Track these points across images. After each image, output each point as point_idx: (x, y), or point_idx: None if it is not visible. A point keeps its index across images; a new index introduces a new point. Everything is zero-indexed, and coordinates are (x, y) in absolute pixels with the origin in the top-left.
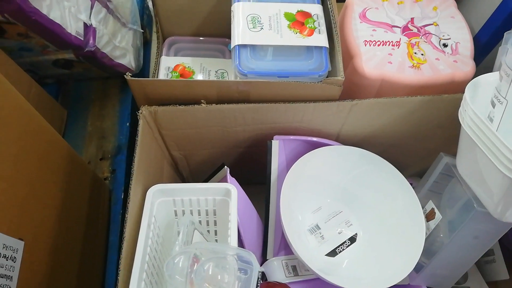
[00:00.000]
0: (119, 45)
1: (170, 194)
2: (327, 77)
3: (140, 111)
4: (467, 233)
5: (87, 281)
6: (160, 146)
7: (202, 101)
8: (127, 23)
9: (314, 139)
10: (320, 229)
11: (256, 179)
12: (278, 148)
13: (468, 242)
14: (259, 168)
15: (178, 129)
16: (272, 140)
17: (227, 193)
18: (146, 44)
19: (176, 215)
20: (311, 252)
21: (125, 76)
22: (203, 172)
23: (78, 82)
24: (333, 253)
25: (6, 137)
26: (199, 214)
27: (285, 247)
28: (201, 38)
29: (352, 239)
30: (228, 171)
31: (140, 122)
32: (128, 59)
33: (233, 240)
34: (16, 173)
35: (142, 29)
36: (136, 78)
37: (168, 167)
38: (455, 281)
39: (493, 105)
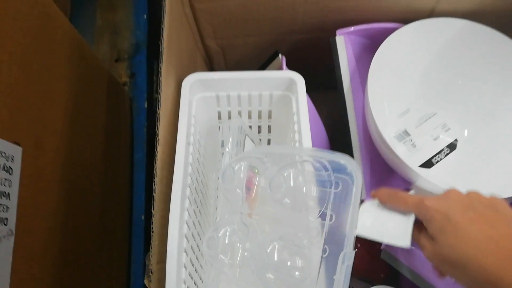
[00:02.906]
0: None
1: (213, 87)
2: None
3: None
4: None
5: (112, 202)
6: (192, 29)
7: None
8: None
9: (390, 25)
10: (410, 135)
11: (313, 82)
12: (344, 44)
13: None
14: (321, 66)
15: (216, 0)
16: (336, 36)
17: (291, 85)
18: None
19: (219, 117)
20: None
21: None
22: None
23: None
24: (428, 164)
25: None
26: (250, 117)
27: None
28: None
29: (452, 146)
30: (284, 60)
31: None
32: None
33: (307, 143)
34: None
35: None
36: None
37: (202, 63)
38: None
39: None
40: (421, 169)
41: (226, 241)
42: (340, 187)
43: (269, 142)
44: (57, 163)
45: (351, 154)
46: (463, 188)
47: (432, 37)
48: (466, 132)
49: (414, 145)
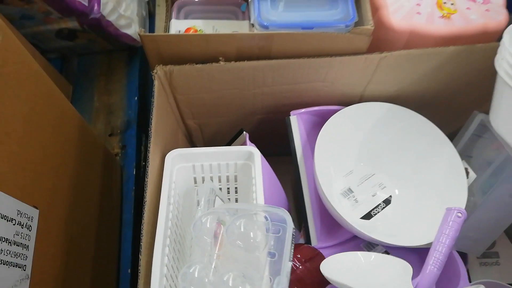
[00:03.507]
0: (124, 13)
1: (190, 159)
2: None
3: (154, 71)
4: (503, 191)
5: (103, 256)
6: (174, 113)
7: (220, 58)
8: None
9: (331, 107)
10: (353, 192)
11: (276, 150)
12: (297, 123)
13: (504, 201)
14: (278, 138)
15: (193, 94)
16: (290, 117)
17: (250, 156)
18: (151, 16)
19: (195, 182)
20: (345, 215)
21: (137, 31)
22: (218, 144)
23: (82, 57)
24: (368, 216)
25: (15, 95)
26: (220, 181)
27: (327, 233)
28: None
29: (387, 201)
30: (248, 136)
31: (155, 83)
32: (133, 29)
33: (260, 201)
34: (27, 136)
35: None
36: (150, 34)
37: (183, 137)
38: (487, 245)
39: None
40: (356, 221)
41: (196, 275)
42: (281, 232)
43: (236, 200)
44: (62, 222)
45: (304, 209)
46: (397, 232)
47: (365, 117)
48: (396, 191)
49: (356, 201)
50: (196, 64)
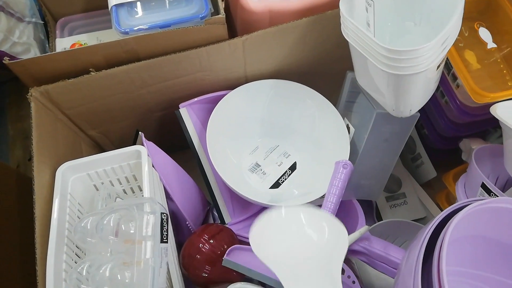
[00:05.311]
0: (19, 40)
1: (82, 169)
2: None
3: (29, 94)
4: (376, 137)
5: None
6: (70, 127)
7: (91, 69)
8: (23, 17)
9: (219, 93)
10: (260, 166)
11: (183, 143)
12: (188, 114)
13: (380, 146)
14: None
15: (79, 106)
16: (180, 109)
17: (139, 155)
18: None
19: (97, 189)
20: (255, 189)
21: (3, 60)
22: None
23: None
24: (276, 185)
25: None
26: (121, 183)
27: (241, 208)
28: (93, 13)
29: (293, 168)
30: (143, 135)
31: (32, 104)
32: (33, 53)
33: (146, 194)
34: None
35: (43, 20)
36: (16, 60)
37: (88, 149)
38: (381, 188)
39: (367, 10)
40: (262, 192)
41: (84, 273)
42: (154, 219)
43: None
44: None
45: (212, 193)
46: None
47: (254, 95)
48: (299, 156)
49: (264, 173)
50: (69, 79)
